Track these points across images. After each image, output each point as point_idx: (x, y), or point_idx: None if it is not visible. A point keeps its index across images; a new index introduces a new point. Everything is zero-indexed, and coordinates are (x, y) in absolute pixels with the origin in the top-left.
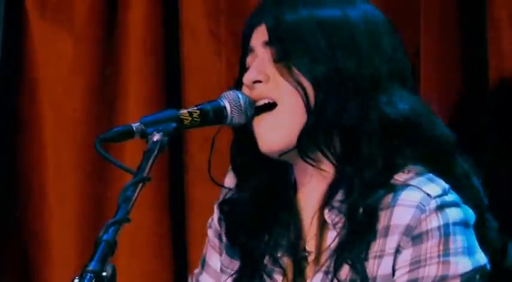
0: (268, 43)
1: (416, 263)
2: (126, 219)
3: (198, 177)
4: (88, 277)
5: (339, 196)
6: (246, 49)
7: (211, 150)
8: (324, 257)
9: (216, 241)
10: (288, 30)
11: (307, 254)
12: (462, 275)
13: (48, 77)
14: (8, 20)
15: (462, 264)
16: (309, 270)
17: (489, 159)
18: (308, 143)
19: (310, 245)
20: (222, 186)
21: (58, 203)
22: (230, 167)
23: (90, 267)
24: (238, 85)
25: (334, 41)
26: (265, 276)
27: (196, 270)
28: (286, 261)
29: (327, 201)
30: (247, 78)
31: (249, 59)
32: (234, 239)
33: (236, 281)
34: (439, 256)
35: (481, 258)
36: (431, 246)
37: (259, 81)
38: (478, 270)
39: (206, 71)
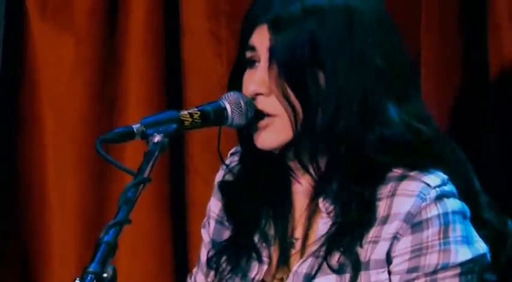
0: (273, 53)
1: (417, 251)
2: (127, 220)
3: (199, 179)
4: (89, 278)
5: (335, 185)
6: (245, 44)
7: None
8: (314, 243)
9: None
10: (290, 45)
11: (294, 240)
12: (462, 264)
13: (48, 77)
14: (8, 20)
15: (462, 253)
16: (295, 256)
17: (490, 161)
18: (300, 152)
19: (298, 232)
20: (224, 163)
21: (58, 204)
22: (232, 150)
23: (91, 269)
24: (234, 78)
25: (338, 62)
26: (253, 253)
27: (194, 270)
28: (274, 244)
29: (321, 189)
30: (249, 90)
31: (249, 54)
32: (231, 211)
33: (223, 249)
34: (440, 244)
35: (481, 248)
36: (431, 234)
37: (261, 94)
38: (478, 259)
39: (207, 72)
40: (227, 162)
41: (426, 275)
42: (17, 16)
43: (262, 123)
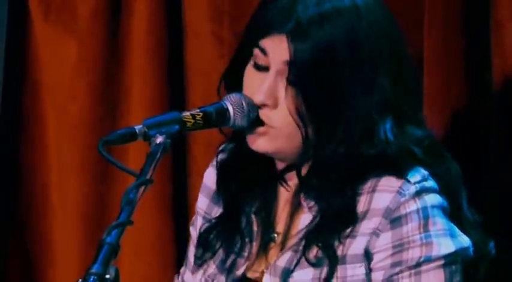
0: (289, 65)
1: (398, 246)
2: (129, 221)
3: (201, 180)
4: (91, 279)
5: (316, 181)
6: (252, 43)
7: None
8: (294, 238)
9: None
10: (312, 57)
11: (275, 235)
12: (445, 256)
13: (51, 78)
14: (11, 21)
15: (445, 246)
16: (274, 250)
17: (493, 161)
18: (290, 159)
19: (280, 227)
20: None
21: (61, 204)
22: (220, 147)
23: (94, 270)
24: (231, 74)
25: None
26: (238, 237)
27: (182, 269)
28: (256, 238)
29: (304, 186)
30: (256, 99)
31: (260, 57)
32: (223, 188)
33: (212, 227)
34: (421, 238)
35: (464, 241)
36: (411, 229)
37: (267, 105)
38: (461, 252)
39: (209, 74)
40: (215, 159)
41: (410, 268)
42: (19, 17)
43: (260, 129)
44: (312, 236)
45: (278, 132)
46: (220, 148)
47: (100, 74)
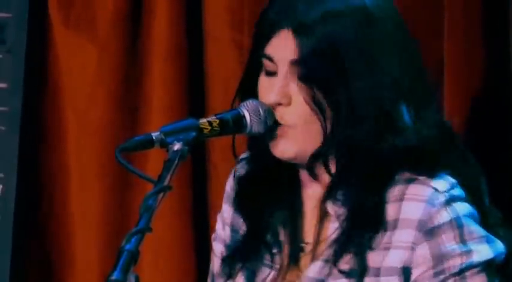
0: (297, 63)
1: (438, 257)
2: (148, 228)
3: (221, 186)
4: None
5: (343, 189)
6: (260, 50)
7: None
8: (324, 247)
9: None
10: (319, 51)
11: (304, 244)
12: (485, 262)
13: (72, 85)
14: (31, 28)
15: (484, 252)
16: (305, 260)
17: None
18: (317, 162)
19: (309, 236)
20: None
21: (81, 212)
22: (241, 155)
23: (114, 277)
24: (245, 84)
25: (358, 68)
26: (265, 255)
27: None
28: (284, 248)
29: (330, 193)
30: (269, 99)
31: (267, 63)
32: (243, 212)
33: (236, 250)
34: (460, 248)
35: (500, 246)
36: (447, 239)
37: (281, 104)
38: (498, 256)
39: (229, 80)
40: (236, 167)
41: (454, 275)
42: (40, 23)
43: (280, 131)
44: (341, 245)
45: (297, 130)
46: (241, 157)
47: (120, 80)
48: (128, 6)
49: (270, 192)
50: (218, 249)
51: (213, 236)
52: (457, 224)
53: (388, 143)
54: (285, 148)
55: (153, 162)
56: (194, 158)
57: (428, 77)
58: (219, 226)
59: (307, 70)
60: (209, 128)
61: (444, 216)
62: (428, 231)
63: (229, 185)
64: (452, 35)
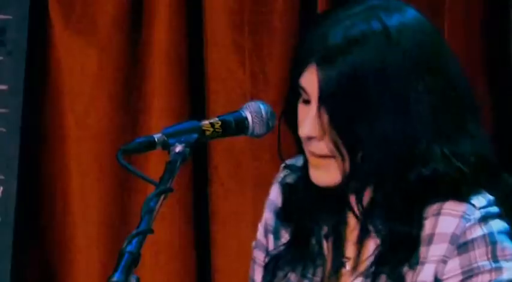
0: (320, 101)
1: (468, 272)
2: (150, 230)
3: (222, 188)
4: None
5: (379, 207)
6: (295, 83)
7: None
8: (363, 263)
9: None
10: (341, 86)
11: (346, 259)
12: None
13: (72, 87)
14: (32, 30)
15: None
16: (346, 277)
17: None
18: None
19: (350, 251)
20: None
21: (82, 214)
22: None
23: (115, 279)
24: (287, 111)
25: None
26: (309, 261)
27: None
28: (326, 262)
29: (368, 211)
30: (301, 132)
31: (303, 94)
32: (290, 214)
33: (283, 249)
34: (490, 264)
35: None
36: (479, 255)
37: (313, 137)
38: None
39: (230, 82)
40: (280, 175)
41: None
42: (40, 26)
43: (313, 161)
44: (380, 263)
45: (329, 162)
46: (285, 164)
47: (121, 82)
48: (128, 8)
49: (318, 202)
50: (259, 256)
51: (254, 243)
52: (490, 240)
53: (415, 173)
54: (319, 177)
55: (153, 164)
56: (195, 160)
57: (473, 96)
58: (260, 233)
59: (331, 106)
60: (211, 129)
61: (478, 231)
62: (461, 246)
63: (274, 193)
64: (453, 31)
